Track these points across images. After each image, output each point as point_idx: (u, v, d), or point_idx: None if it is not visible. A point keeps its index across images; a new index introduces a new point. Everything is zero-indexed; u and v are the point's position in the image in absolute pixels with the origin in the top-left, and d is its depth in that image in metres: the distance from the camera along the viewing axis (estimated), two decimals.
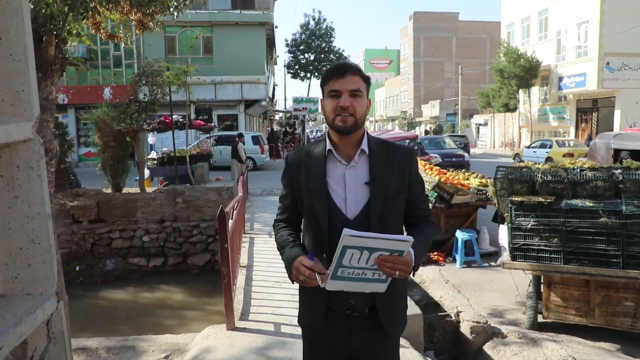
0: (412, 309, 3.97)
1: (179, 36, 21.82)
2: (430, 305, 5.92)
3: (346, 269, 1.51)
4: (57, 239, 10.60)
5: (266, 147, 20.91)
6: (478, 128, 41.12)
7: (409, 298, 4.28)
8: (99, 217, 10.98)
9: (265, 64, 23.62)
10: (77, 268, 10.83)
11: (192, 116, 16.03)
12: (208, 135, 16.04)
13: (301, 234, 1.89)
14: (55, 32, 2.94)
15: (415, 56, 56.57)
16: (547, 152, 20.33)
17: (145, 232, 10.90)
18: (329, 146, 1.74)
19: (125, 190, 11.49)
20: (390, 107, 67.35)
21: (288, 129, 32.62)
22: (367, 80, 1.75)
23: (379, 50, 75.85)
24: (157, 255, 10.88)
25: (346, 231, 1.42)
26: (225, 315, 3.97)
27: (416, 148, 13.78)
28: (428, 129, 47.79)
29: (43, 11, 2.73)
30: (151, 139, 15.83)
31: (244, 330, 3.94)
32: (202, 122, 14.43)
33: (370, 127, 66.60)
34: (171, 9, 4.08)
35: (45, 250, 1.43)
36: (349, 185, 1.71)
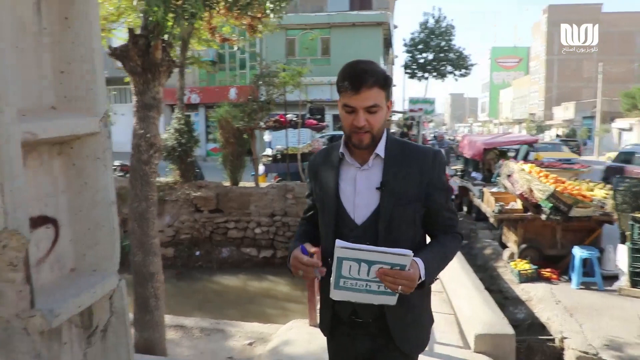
0: (504, 327, 3.66)
1: (298, 38, 22.74)
2: (535, 327, 5.41)
3: (348, 280, 1.44)
4: (182, 225, 11.75)
5: None
6: (620, 133, 36.46)
7: (502, 314, 3.96)
8: (217, 208, 11.88)
9: (381, 64, 23.59)
10: (197, 253, 11.85)
11: (307, 115, 16.59)
12: (321, 134, 16.49)
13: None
14: (161, 38, 3.26)
15: (549, 53, 52.02)
16: None
17: (257, 225, 11.56)
18: (342, 149, 1.66)
19: (241, 184, 12.30)
20: (517, 109, 62.86)
21: (405, 130, 32.16)
22: (386, 85, 1.58)
23: (507, 48, 71.24)
24: (267, 247, 11.46)
25: (338, 242, 1.37)
26: (308, 311, 4.05)
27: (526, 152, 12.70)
28: (560, 133, 43.62)
29: (150, 19, 3.04)
30: (267, 136, 16.70)
31: None
32: (314, 122, 14.86)
33: (493, 130, 62.85)
34: (267, 11, 4.26)
35: (108, 233, 1.59)
36: (359, 189, 1.62)
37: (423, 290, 1.54)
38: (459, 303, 4.31)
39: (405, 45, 35.93)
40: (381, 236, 1.56)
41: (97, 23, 1.46)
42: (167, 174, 12.48)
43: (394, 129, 37.73)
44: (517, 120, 61.09)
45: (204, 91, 23.31)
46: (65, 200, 1.52)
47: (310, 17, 23.06)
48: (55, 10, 1.41)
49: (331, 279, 1.45)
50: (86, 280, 1.56)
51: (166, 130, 12.61)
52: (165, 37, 3.27)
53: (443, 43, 34.56)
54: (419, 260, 1.47)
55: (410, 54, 35.72)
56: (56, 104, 1.45)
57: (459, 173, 12.69)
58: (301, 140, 14.34)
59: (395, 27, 32.28)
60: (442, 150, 15.17)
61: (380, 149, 1.62)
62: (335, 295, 1.49)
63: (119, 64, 3.50)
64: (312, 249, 1.55)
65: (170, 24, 3.10)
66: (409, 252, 1.39)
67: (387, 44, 26.61)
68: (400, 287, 1.40)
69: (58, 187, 1.49)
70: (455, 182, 12.04)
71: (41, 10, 1.39)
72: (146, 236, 3.42)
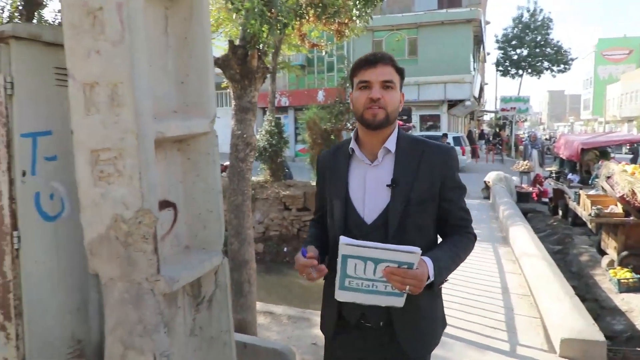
0: (594, 333, 3.50)
1: (385, 39, 22.74)
2: (635, 339, 5.04)
3: (354, 280, 1.37)
4: (272, 222, 12.36)
5: (467, 148, 20.25)
6: None
7: (592, 321, 3.79)
8: (304, 206, 12.32)
9: (471, 62, 22.81)
10: (285, 249, 12.39)
11: None
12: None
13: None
14: (257, 47, 3.59)
15: None
16: None
17: None
18: (352, 144, 1.59)
19: None
20: (626, 106, 57.11)
21: (497, 130, 30.73)
22: (401, 72, 1.55)
23: (615, 39, 65.01)
24: None
25: (342, 239, 1.30)
26: None
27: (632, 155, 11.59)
28: None
29: (248, 30, 3.37)
30: None
31: None
32: (400, 122, 14.84)
33: (598, 129, 57.73)
34: (354, 18, 4.45)
35: (216, 218, 1.87)
36: (369, 186, 1.55)
37: (432, 291, 1.45)
38: (547, 307, 4.17)
39: (497, 41, 34.33)
40: (391, 236, 1.49)
41: (209, 41, 1.74)
42: (258, 174, 13.20)
43: (486, 129, 36.16)
44: (626, 118, 55.53)
45: (293, 94, 24.16)
46: (182, 188, 1.83)
47: (397, 17, 22.95)
48: (178, 32, 1.72)
49: (336, 278, 1.39)
50: (197, 256, 1.86)
51: (258, 132, 13.34)
52: (261, 46, 3.60)
53: (539, 38, 32.51)
54: (427, 260, 1.39)
55: (502, 51, 34.06)
56: (177, 108, 1.76)
57: (554, 175, 11.95)
58: None
59: (488, 23, 30.92)
60: (535, 151, 14.34)
61: (391, 143, 1.55)
62: (340, 296, 1.43)
63: (217, 70, 3.90)
64: (310, 252, 1.50)
65: (265, 34, 3.41)
66: (417, 250, 1.32)
67: (478, 41, 25.62)
68: (407, 287, 1.33)
69: (177, 178, 1.80)
70: (549, 185, 11.39)
71: (168, 32, 1.70)
72: (242, 227, 3.78)
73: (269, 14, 3.32)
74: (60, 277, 1.85)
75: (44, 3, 5.95)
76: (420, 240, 1.50)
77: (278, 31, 3.53)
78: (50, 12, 20.96)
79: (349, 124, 13.25)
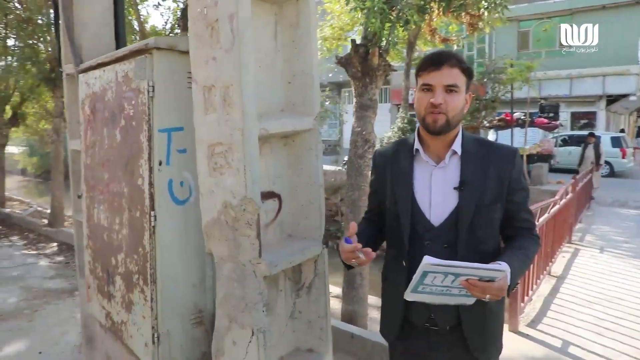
0: None
1: (533, 30, 20.90)
2: None
3: (428, 286, 1.37)
4: None
5: (630, 150, 17.66)
6: None
7: None
8: None
9: (639, 51, 19.80)
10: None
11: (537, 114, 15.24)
12: (553, 134, 14.95)
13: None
14: (378, 45, 3.64)
15: None
16: None
17: None
18: (416, 145, 1.57)
19: None
20: None
21: None
22: (468, 72, 1.49)
23: None
24: None
25: (427, 259, 1.28)
26: (508, 316, 3.94)
27: None
28: None
29: (369, 29, 3.44)
30: (491, 135, 16.01)
31: (526, 336, 3.82)
32: (545, 120, 13.58)
33: None
34: (482, 10, 4.21)
35: (317, 209, 1.99)
36: (435, 188, 1.53)
37: (505, 295, 1.42)
38: None
39: None
40: (462, 238, 1.49)
41: (315, 44, 1.86)
42: None
43: None
44: None
45: None
46: (287, 181, 1.98)
47: (547, 5, 20.90)
48: (286, 35, 1.87)
49: (410, 283, 1.37)
50: (298, 244, 2.00)
51: (391, 129, 13.36)
52: (383, 44, 3.65)
53: None
54: (505, 265, 1.36)
55: None
56: (284, 107, 1.91)
57: None
58: (529, 140, 13.31)
59: None
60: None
61: (457, 145, 1.53)
62: (410, 297, 1.42)
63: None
64: (353, 236, 1.47)
65: (386, 32, 3.45)
66: (505, 267, 1.33)
67: None
68: (488, 296, 1.31)
69: (282, 171, 1.96)
70: None
71: (276, 36, 1.85)
72: (356, 221, 3.89)
73: (389, 11, 3.35)
74: (186, 253, 2.14)
75: None
76: (488, 242, 1.52)
77: (400, 28, 3.54)
78: None
79: (485, 122, 12.57)
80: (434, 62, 1.46)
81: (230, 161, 1.66)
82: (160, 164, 2.03)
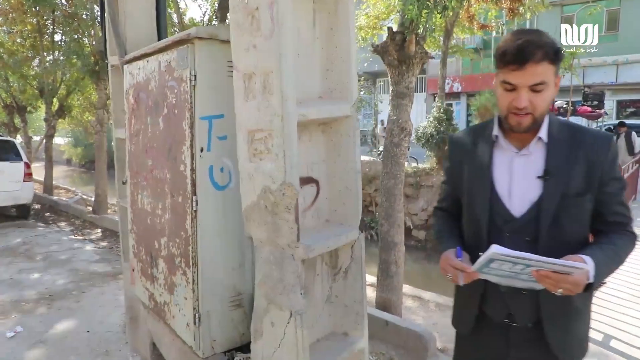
0: None
1: (577, 14, 20.03)
2: None
3: (494, 269, 1.31)
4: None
5: None
6: None
7: None
8: None
9: None
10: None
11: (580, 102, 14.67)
12: (597, 123, 14.36)
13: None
14: (415, 32, 3.60)
15: None
16: None
17: None
18: (496, 131, 1.47)
19: None
20: None
21: None
22: (557, 59, 1.32)
23: None
24: None
25: (494, 248, 1.21)
26: None
27: None
28: None
29: (406, 16, 3.40)
30: None
31: None
32: (589, 109, 13.06)
33: None
34: None
35: (354, 196, 2.01)
36: (516, 177, 1.43)
37: (588, 293, 1.33)
38: None
39: None
40: (544, 231, 1.38)
41: (353, 31, 1.87)
42: (424, 161, 13.07)
43: None
44: None
45: (466, 79, 23.10)
46: (325, 167, 2.01)
47: None
48: (325, 23, 1.88)
49: (475, 264, 1.32)
50: (335, 229, 2.02)
51: (426, 118, 13.16)
52: (420, 31, 3.60)
53: None
54: (589, 260, 1.27)
55: None
56: (322, 94, 1.93)
57: None
58: None
59: None
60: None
61: (543, 131, 1.41)
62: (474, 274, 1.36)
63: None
64: (465, 257, 1.41)
65: (424, 19, 3.41)
66: (584, 266, 1.23)
67: None
68: (560, 290, 1.23)
69: (320, 157, 1.98)
70: None
71: (315, 24, 1.87)
72: (392, 209, 3.88)
73: None
74: (225, 237, 2.21)
75: None
76: (575, 236, 1.40)
77: (438, 15, 3.49)
78: None
79: None
80: (516, 59, 1.30)
81: (270, 147, 1.70)
82: (201, 150, 2.09)
